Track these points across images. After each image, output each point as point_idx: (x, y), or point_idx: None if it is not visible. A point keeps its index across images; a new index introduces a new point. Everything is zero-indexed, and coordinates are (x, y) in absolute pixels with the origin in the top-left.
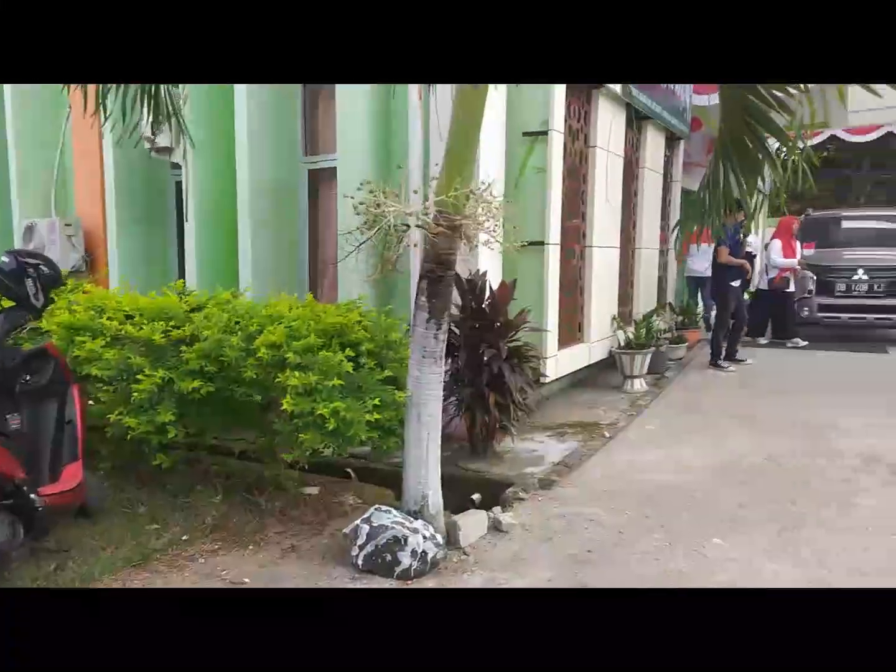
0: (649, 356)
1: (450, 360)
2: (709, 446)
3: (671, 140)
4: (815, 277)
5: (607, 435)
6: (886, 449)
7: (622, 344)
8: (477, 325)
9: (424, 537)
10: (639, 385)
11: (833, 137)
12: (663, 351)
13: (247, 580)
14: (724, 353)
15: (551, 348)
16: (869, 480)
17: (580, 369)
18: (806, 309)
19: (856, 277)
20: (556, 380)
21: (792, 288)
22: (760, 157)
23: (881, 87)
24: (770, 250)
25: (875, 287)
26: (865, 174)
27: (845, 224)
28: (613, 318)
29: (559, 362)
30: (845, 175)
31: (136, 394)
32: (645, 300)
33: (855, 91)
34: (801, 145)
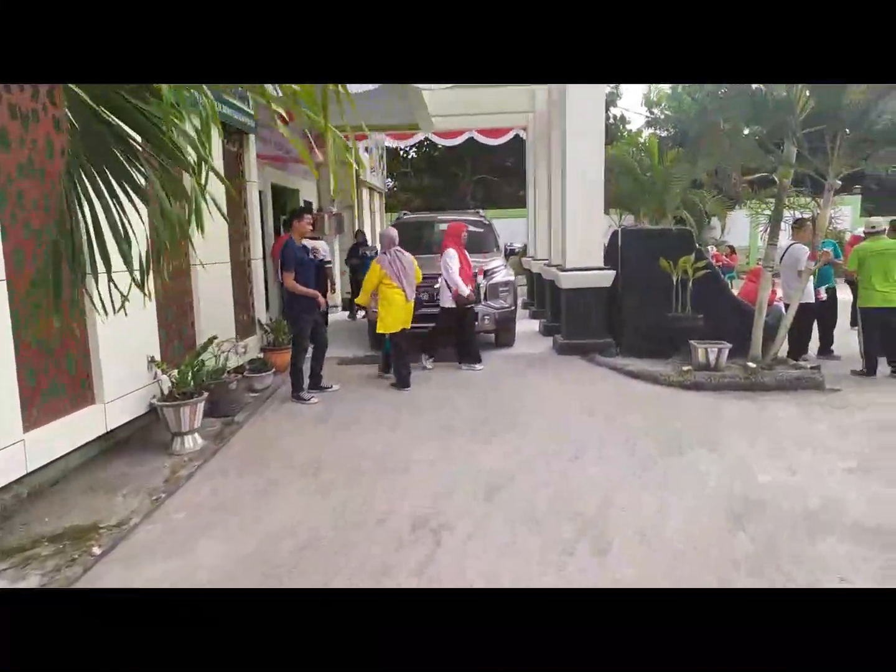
0: (202, 404)
1: None
2: (246, 532)
3: (231, 134)
4: None
5: (98, 550)
6: (439, 506)
7: (165, 392)
8: None
9: None
10: (191, 443)
11: (428, 140)
12: (234, 388)
13: None
14: (306, 382)
15: (9, 433)
16: (406, 563)
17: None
18: None
19: (437, 286)
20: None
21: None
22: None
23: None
24: (445, 264)
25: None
26: (469, 176)
27: (438, 227)
28: (152, 361)
29: (32, 448)
30: (452, 174)
31: None
32: (217, 325)
33: (443, 95)
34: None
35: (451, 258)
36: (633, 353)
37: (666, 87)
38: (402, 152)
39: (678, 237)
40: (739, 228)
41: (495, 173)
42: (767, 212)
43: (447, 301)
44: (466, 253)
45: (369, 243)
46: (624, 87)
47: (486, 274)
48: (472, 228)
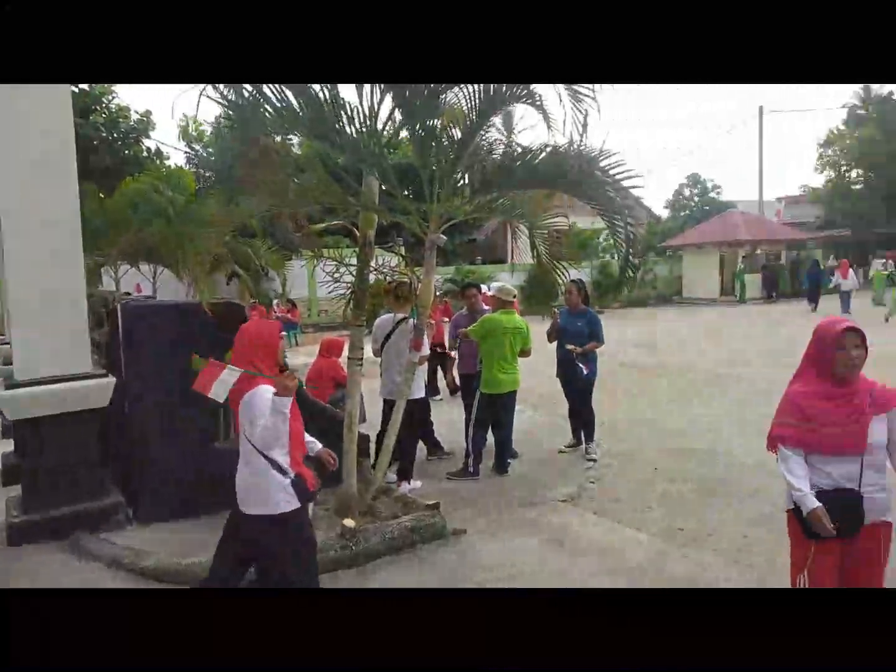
0: None
1: None
2: None
3: None
4: None
5: None
6: None
7: None
8: None
9: None
10: None
11: None
12: None
13: None
14: None
15: None
16: None
17: None
18: None
19: None
20: None
21: None
22: None
23: None
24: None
25: None
26: None
27: None
28: None
29: None
30: None
31: None
32: None
33: None
34: None
35: None
36: (158, 514)
37: (206, 125)
38: None
39: (223, 314)
40: (300, 280)
41: None
42: (348, 275)
43: None
44: None
45: None
46: (156, 118)
47: None
48: None
